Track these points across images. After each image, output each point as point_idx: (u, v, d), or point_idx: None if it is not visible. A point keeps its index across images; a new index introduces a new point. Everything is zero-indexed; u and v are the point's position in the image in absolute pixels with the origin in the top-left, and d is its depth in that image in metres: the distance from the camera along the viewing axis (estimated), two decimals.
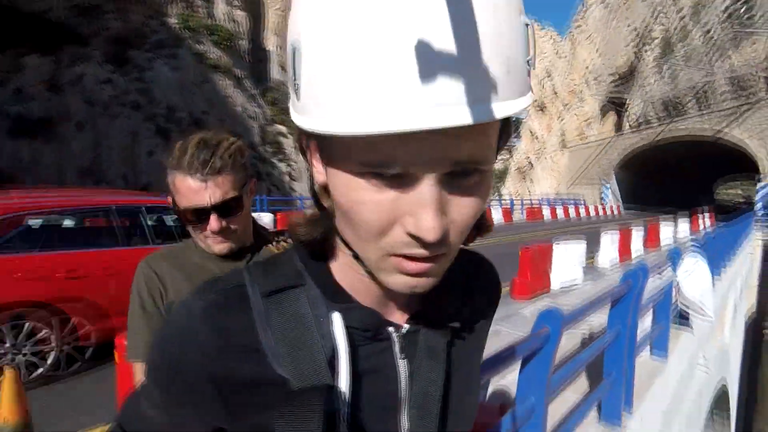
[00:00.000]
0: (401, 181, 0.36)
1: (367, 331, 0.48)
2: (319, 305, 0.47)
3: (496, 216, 21.06)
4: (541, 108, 51.44)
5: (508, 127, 0.42)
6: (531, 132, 52.39)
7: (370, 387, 0.48)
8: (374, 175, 0.35)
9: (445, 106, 0.31)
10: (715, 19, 28.51)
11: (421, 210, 0.35)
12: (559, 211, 25.91)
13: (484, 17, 0.32)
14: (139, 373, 1.00)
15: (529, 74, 0.38)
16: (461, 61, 0.31)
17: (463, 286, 0.58)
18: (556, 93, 50.16)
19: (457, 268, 0.43)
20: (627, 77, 38.99)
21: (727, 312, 8.99)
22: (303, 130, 0.39)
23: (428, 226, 0.35)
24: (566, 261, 7.27)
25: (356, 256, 0.44)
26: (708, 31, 29.25)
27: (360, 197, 0.37)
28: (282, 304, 0.47)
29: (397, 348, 0.50)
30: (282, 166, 25.95)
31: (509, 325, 5.01)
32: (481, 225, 0.48)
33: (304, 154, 0.45)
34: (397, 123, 0.31)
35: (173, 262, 1.07)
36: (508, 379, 3.03)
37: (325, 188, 0.43)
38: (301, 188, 24.66)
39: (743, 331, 13.60)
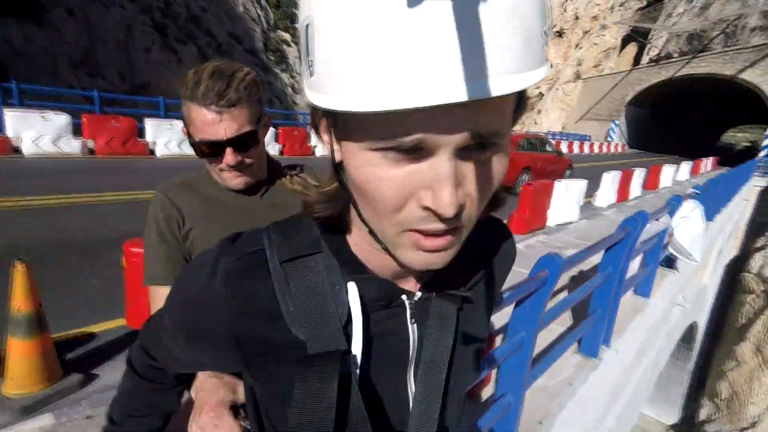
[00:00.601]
0: (418, 155, 0.35)
1: (381, 301, 0.50)
2: (334, 273, 0.49)
3: None
4: (560, 33, 48.29)
5: (524, 100, 0.41)
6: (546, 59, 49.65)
7: (382, 349, 0.51)
8: (390, 149, 0.35)
9: (462, 80, 0.31)
10: None
11: (438, 184, 0.35)
12: (564, 147, 25.54)
13: None
14: (155, 297, 1.03)
15: (546, 45, 0.37)
16: (479, 33, 0.31)
17: (478, 252, 0.59)
18: (577, 18, 46.77)
19: (473, 233, 0.44)
20: (655, 5, 36.22)
21: (711, 255, 9.30)
22: (317, 107, 0.38)
23: (445, 201, 0.35)
24: (565, 199, 7.33)
25: (372, 232, 0.44)
26: None
27: (376, 173, 0.37)
28: (300, 270, 0.48)
29: (408, 314, 0.52)
30: (285, 77, 24.82)
31: None
32: (494, 199, 0.49)
33: (317, 130, 0.44)
34: (416, 98, 0.31)
35: (189, 191, 1.07)
36: (504, 309, 3.22)
37: (340, 164, 0.43)
38: (304, 102, 23.81)
39: (721, 273, 14.22)
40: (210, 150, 0.98)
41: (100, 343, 2.88)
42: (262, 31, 24.03)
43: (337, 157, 0.42)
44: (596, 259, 3.19)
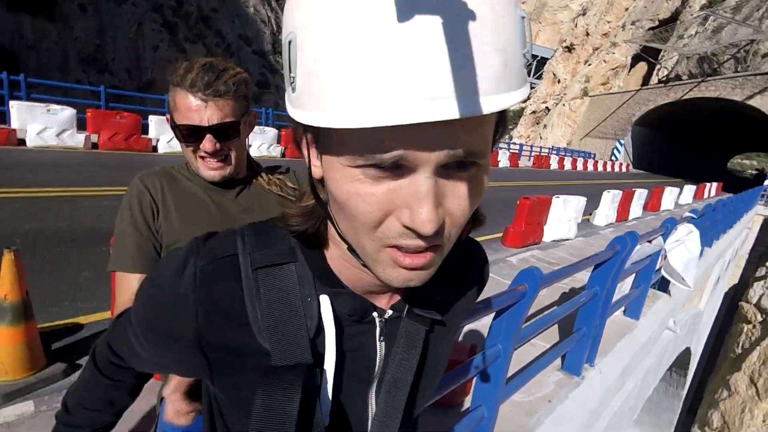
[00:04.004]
0: (398, 172, 0.36)
1: (353, 316, 0.51)
2: (307, 285, 0.49)
3: (503, 160, 20.81)
4: (569, 48, 48.45)
5: (505, 120, 0.42)
6: (554, 74, 49.88)
7: (348, 365, 0.51)
8: (370, 166, 0.36)
9: (443, 98, 0.31)
10: None
11: (418, 202, 0.36)
12: (567, 163, 25.57)
13: (482, 10, 0.32)
14: (120, 283, 1.03)
15: (525, 67, 0.38)
16: (460, 54, 0.31)
17: (452, 272, 0.59)
18: (588, 34, 46.96)
19: (450, 253, 0.44)
20: (667, 26, 36.33)
21: (708, 282, 9.24)
22: (298, 123, 0.39)
23: (424, 218, 0.35)
24: (563, 215, 7.32)
25: (351, 249, 0.44)
26: None
27: (356, 189, 0.37)
28: (272, 279, 0.48)
29: (377, 331, 0.52)
30: None
31: (495, 269, 5.18)
32: (475, 218, 0.50)
33: (299, 146, 0.45)
34: (395, 116, 0.31)
35: (167, 181, 1.08)
36: (483, 322, 3.22)
37: (321, 181, 0.43)
38: None
39: (720, 300, 14.10)
40: (190, 134, 0.99)
41: (86, 334, 2.89)
42: (271, 33, 24.29)
43: (318, 173, 0.43)
44: (587, 276, 3.20)
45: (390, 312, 0.52)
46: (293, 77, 0.36)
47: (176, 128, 1.00)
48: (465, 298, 0.63)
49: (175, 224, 1.04)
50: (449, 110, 0.31)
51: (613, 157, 34.42)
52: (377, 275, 0.42)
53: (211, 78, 0.95)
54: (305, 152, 0.43)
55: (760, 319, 14.71)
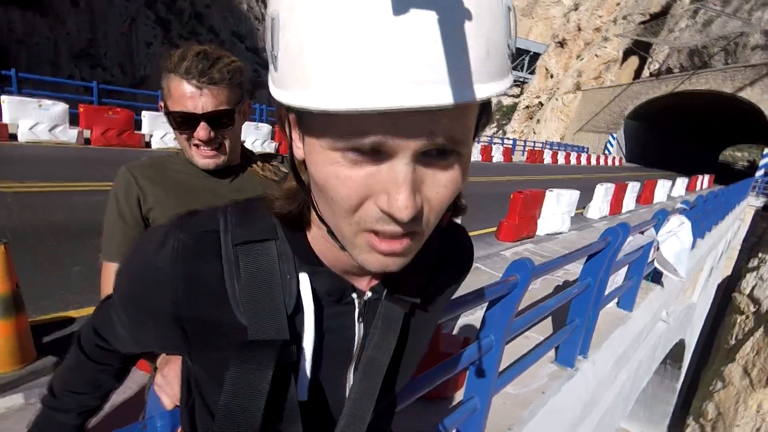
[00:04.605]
0: (377, 157, 0.36)
1: (331, 296, 0.51)
2: (287, 262, 0.49)
3: (497, 155, 20.85)
4: (561, 43, 48.54)
5: (489, 110, 0.41)
6: (546, 69, 49.96)
7: (327, 344, 0.52)
8: (350, 150, 0.35)
9: (424, 84, 0.31)
10: None
11: (395, 187, 0.36)
12: (560, 158, 25.66)
13: None
14: (107, 273, 1.05)
15: (509, 57, 0.37)
16: (442, 40, 0.31)
17: (435, 258, 0.59)
18: (580, 28, 47.05)
19: (433, 239, 0.44)
20: (658, 19, 36.49)
21: (701, 274, 9.32)
22: (280, 102, 0.38)
23: (401, 204, 0.35)
24: (556, 209, 7.34)
25: (331, 232, 0.44)
26: None
27: (335, 172, 0.37)
28: (251, 255, 0.48)
29: (356, 312, 0.53)
30: None
31: (489, 263, 5.19)
32: (456, 206, 0.49)
33: (282, 127, 0.44)
34: (374, 100, 0.31)
35: (156, 171, 1.08)
36: (477, 315, 3.23)
37: (303, 163, 0.43)
38: None
39: (714, 292, 14.25)
40: (184, 122, 0.99)
41: (76, 328, 2.85)
42: (264, 30, 24.30)
43: (299, 154, 0.42)
44: (579, 268, 3.21)
45: (369, 294, 0.53)
46: (275, 55, 0.36)
47: (170, 115, 1.00)
48: (447, 283, 0.63)
49: (167, 212, 1.03)
50: (426, 98, 0.31)
51: (606, 151, 34.60)
52: (355, 259, 0.42)
53: (206, 65, 0.95)
54: (288, 133, 0.43)
55: (753, 309, 14.89)
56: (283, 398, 0.47)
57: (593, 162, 28.69)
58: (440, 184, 0.38)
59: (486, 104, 0.40)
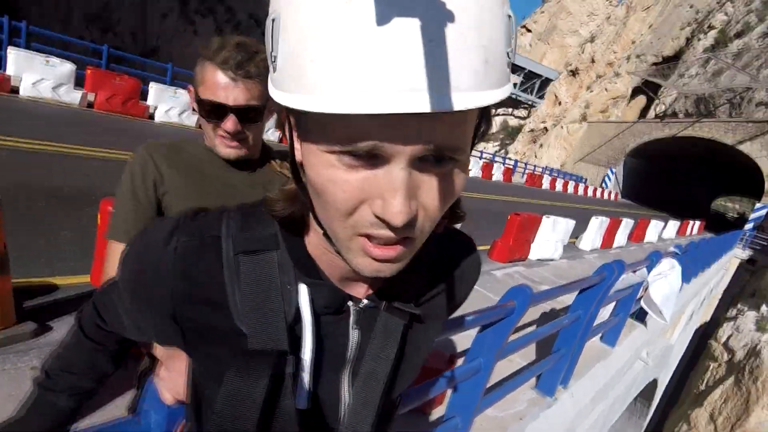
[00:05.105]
0: (374, 162, 0.35)
1: (329, 308, 0.51)
2: (287, 273, 0.49)
3: (497, 174, 20.97)
4: (574, 72, 49.11)
5: (487, 119, 0.41)
6: (556, 96, 50.46)
7: (322, 351, 0.51)
8: (346, 153, 0.35)
9: (422, 90, 0.31)
10: None
11: (390, 192, 0.35)
12: (559, 185, 25.88)
13: (466, 4, 0.32)
14: (113, 252, 1.03)
15: (508, 66, 0.37)
16: (441, 47, 0.31)
17: (436, 267, 0.59)
18: (593, 60, 47.64)
19: (435, 247, 0.45)
20: (670, 62, 37.09)
21: (683, 317, 9.43)
22: (279, 104, 0.38)
23: (395, 210, 0.35)
24: (551, 235, 7.38)
25: (326, 235, 0.44)
26: None
27: (331, 175, 0.37)
28: (252, 265, 0.48)
29: (351, 319, 0.52)
30: None
31: (479, 282, 5.18)
32: (454, 214, 0.49)
33: (283, 129, 0.44)
34: (365, 105, 0.31)
35: (176, 155, 1.07)
36: (466, 333, 3.21)
37: (302, 165, 0.43)
38: None
39: (691, 336, 14.42)
40: (212, 110, 0.99)
41: (60, 296, 2.79)
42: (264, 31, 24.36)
43: (298, 156, 0.42)
44: (569, 299, 3.21)
45: (365, 301, 0.52)
46: (275, 56, 0.36)
47: (200, 102, 0.99)
48: (450, 292, 0.62)
49: (181, 198, 1.02)
50: (422, 104, 0.31)
51: (603, 184, 34.99)
52: (349, 263, 0.42)
53: (244, 58, 0.95)
54: (288, 135, 0.43)
55: (726, 358, 15.08)
56: (281, 407, 0.48)
57: (590, 193, 28.99)
58: (436, 190, 0.38)
59: (485, 112, 0.40)
